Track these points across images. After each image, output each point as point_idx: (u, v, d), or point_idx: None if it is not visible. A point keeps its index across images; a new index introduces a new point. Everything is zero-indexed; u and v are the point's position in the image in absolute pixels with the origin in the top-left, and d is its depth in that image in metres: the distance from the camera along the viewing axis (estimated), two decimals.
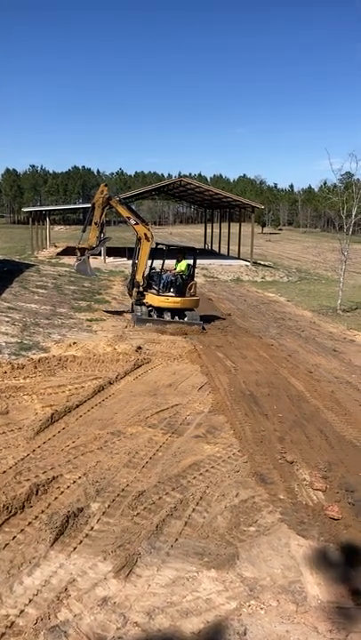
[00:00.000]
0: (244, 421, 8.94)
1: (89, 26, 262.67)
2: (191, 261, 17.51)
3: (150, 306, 17.10)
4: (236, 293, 27.87)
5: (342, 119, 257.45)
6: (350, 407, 10.15)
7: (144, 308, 17.11)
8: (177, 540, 5.55)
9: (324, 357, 14.28)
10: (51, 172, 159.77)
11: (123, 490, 6.48)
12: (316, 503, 6.49)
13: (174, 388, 10.60)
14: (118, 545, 5.38)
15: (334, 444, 8.30)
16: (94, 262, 26.25)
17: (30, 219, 48.65)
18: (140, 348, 13.65)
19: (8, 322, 15.92)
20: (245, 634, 4.34)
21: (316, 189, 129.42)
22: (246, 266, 39.42)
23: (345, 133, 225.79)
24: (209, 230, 58.28)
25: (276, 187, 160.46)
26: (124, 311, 18.94)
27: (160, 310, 16.96)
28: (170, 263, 18.09)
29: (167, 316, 16.86)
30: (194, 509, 6.15)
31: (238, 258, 43.93)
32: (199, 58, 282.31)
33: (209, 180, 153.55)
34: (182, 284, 16.91)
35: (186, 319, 16.77)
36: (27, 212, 54.65)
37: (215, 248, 53.06)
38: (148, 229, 17.43)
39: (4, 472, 6.72)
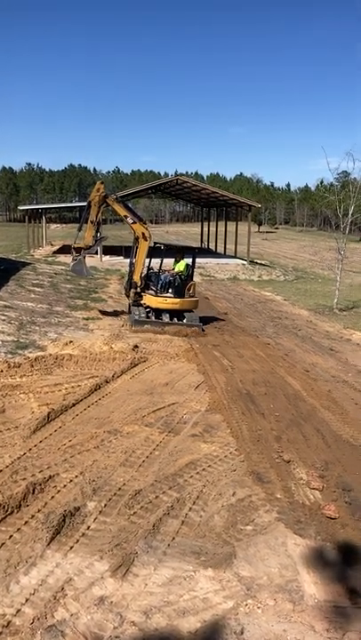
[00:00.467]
0: (240, 420, 8.94)
1: (86, 25, 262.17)
2: (190, 261, 17.03)
3: (148, 307, 16.59)
4: (232, 292, 27.88)
5: (339, 118, 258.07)
6: (347, 406, 10.17)
7: (142, 310, 16.57)
8: (174, 539, 5.55)
9: (320, 356, 14.29)
10: (47, 170, 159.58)
11: (119, 489, 6.47)
12: (312, 502, 6.49)
13: (171, 386, 10.59)
14: (115, 544, 5.37)
15: (331, 443, 8.31)
16: (90, 261, 26.20)
17: (26, 217, 48.57)
18: (136, 346, 13.63)
19: (4, 320, 15.88)
20: (243, 633, 4.34)
21: (312, 188, 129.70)
22: (243, 264, 39.42)
23: (342, 132, 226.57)
24: (205, 229, 58.21)
25: (272, 185, 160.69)
26: (120, 312, 18.52)
27: (158, 312, 16.44)
28: (168, 263, 17.61)
29: (166, 318, 16.33)
30: (191, 508, 6.14)
31: (235, 257, 43.91)
32: (196, 57, 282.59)
33: (206, 178, 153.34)
34: (181, 285, 16.42)
35: (185, 321, 16.31)
36: (23, 210, 54.42)
37: (212, 247, 53.05)
38: (146, 228, 16.97)
39: (1, 471, 6.70)
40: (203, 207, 60.78)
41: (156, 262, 17.25)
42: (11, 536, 5.45)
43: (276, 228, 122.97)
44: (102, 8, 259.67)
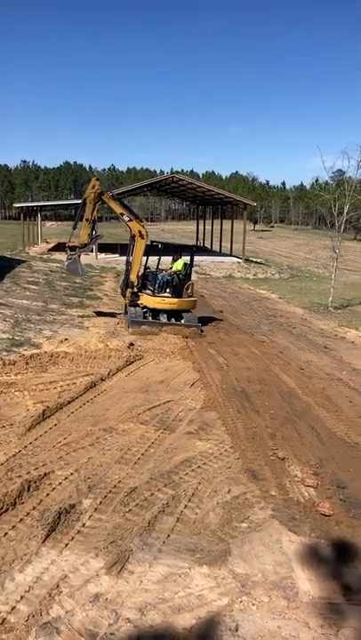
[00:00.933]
0: (235, 418, 8.95)
1: (82, 24, 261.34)
2: (188, 260, 16.55)
3: (145, 307, 16.18)
4: (228, 290, 27.90)
5: (335, 117, 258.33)
6: (341, 404, 10.20)
7: (138, 310, 16.16)
8: (169, 536, 5.55)
9: (315, 354, 14.33)
10: (42, 167, 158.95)
11: (115, 486, 6.48)
12: (307, 499, 6.51)
13: (166, 384, 10.60)
14: (110, 541, 5.37)
15: (325, 441, 8.34)
16: (86, 259, 26.16)
17: (21, 214, 48.39)
18: (132, 344, 13.63)
19: None
20: (237, 629, 4.36)
21: (307, 187, 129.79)
22: (238, 263, 39.45)
23: (337, 131, 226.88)
24: (201, 227, 58.24)
25: (268, 184, 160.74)
26: (117, 313, 18.00)
27: (155, 312, 16.03)
28: (165, 261, 17.16)
29: (163, 318, 15.92)
30: (186, 506, 6.15)
31: (230, 255, 43.94)
32: (192, 55, 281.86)
33: (201, 176, 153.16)
34: (179, 284, 16.02)
35: (183, 321, 15.92)
36: (18, 207, 54.36)
37: (207, 245, 53.04)
38: (143, 226, 16.54)
39: None
40: (198, 205, 60.76)
41: (152, 260, 16.92)
42: (6, 533, 5.45)
43: (272, 227, 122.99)
44: (101, 7, 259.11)
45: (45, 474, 6.59)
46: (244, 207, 43.66)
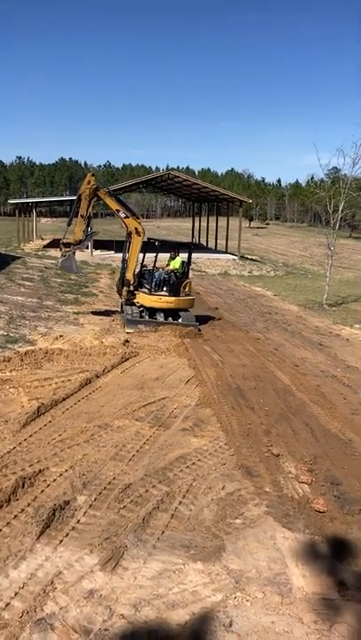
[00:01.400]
0: (230, 414, 8.97)
1: (77, 19, 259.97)
2: (186, 258, 16.25)
3: (142, 306, 15.81)
4: (223, 287, 27.92)
5: (330, 114, 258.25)
6: (336, 401, 10.24)
7: (135, 309, 15.76)
8: (163, 532, 5.57)
9: (310, 351, 14.36)
10: (37, 163, 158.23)
11: (109, 483, 6.48)
12: (301, 496, 6.54)
13: (161, 381, 10.60)
14: (105, 538, 5.38)
15: (320, 438, 8.37)
16: (81, 255, 26.08)
17: (16, 211, 48.27)
18: (127, 341, 13.62)
19: None
20: (231, 625, 4.37)
21: (303, 184, 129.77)
22: (234, 260, 39.46)
23: (333, 128, 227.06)
24: (197, 224, 58.15)
25: (263, 181, 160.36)
26: (113, 312, 17.70)
27: (152, 311, 15.69)
28: (162, 259, 16.88)
29: (160, 317, 15.58)
30: (180, 502, 6.16)
31: (226, 252, 43.93)
32: (187, 52, 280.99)
33: (197, 173, 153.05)
34: (176, 283, 15.69)
35: (180, 320, 15.57)
36: (13, 203, 54.20)
37: (203, 242, 53.01)
38: (140, 223, 16.20)
39: None
40: (194, 202, 60.67)
41: (149, 257, 16.71)
42: (0, 530, 5.44)
43: (267, 224, 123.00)
44: (95, 3, 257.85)
45: (40, 470, 6.59)
46: (240, 204, 43.65)
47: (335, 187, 24.02)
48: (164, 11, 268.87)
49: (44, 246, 43.17)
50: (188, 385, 10.49)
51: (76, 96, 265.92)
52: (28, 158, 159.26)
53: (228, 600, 4.66)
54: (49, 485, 6.34)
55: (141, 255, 16.48)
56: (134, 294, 16.09)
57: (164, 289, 15.76)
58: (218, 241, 48.04)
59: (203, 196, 51.78)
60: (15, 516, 5.69)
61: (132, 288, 16.09)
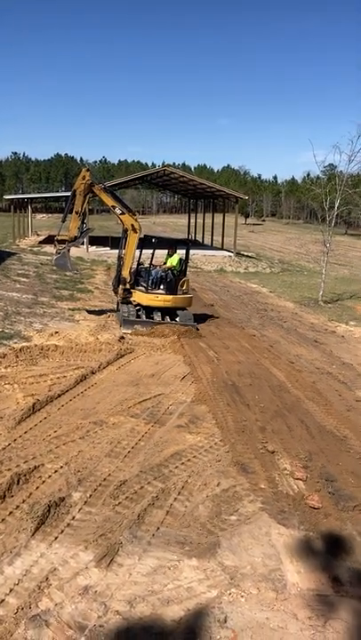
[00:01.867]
0: (226, 411, 8.97)
1: (74, 14, 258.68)
2: (184, 255, 15.90)
3: (138, 305, 15.50)
4: (219, 284, 27.92)
5: (327, 111, 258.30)
6: (331, 397, 10.26)
7: (131, 308, 15.45)
8: (158, 529, 5.57)
9: (305, 348, 14.39)
10: (33, 159, 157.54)
11: (104, 479, 6.48)
12: (296, 492, 6.55)
13: (157, 377, 10.59)
14: (100, 534, 5.38)
15: (315, 434, 8.39)
16: (76, 251, 26.05)
17: (12, 206, 48.08)
18: (122, 337, 13.60)
19: None
20: (226, 621, 4.38)
21: (299, 181, 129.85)
22: (229, 256, 39.46)
23: (329, 125, 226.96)
24: (193, 220, 58.12)
25: (259, 178, 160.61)
26: (108, 310, 17.34)
27: (149, 310, 15.35)
28: (159, 255, 16.35)
29: (157, 316, 15.25)
30: (175, 499, 6.17)
31: (222, 248, 43.94)
32: (184, 49, 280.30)
33: (193, 169, 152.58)
34: (173, 281, 15.34)
35: (178, 319, 15.24)
36: (8, 199, 53.94)
37: (199, 238, 52.97)
38: (136, 220, 15.87)
39: None
40: (190, 199, 60.56)
41: (146, 254, 16.30)
42: None
43: (263, 221, 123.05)
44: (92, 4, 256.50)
45: (35, 467, 6.58)
46: (236, 201, 43.61)
47: (331, 183, 24.03)
48: (162, 8, 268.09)
49: (40, 242, 43.11)
50: (183, 381, 10.48)
51: (73, 92, 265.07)
52: (24, 154, 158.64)
53: (223, 596, 4.67)
54: (44, 482, 6.32)
55: (138, 252, 16.21)
56: (131, 293, 15.77)
57: (161, 287, 15.41)
58: (214, 237, 48.02)
59: (199, 193, 51.73)
60: (10, 513, 5.68)
61: (128, 286, 15.77)
